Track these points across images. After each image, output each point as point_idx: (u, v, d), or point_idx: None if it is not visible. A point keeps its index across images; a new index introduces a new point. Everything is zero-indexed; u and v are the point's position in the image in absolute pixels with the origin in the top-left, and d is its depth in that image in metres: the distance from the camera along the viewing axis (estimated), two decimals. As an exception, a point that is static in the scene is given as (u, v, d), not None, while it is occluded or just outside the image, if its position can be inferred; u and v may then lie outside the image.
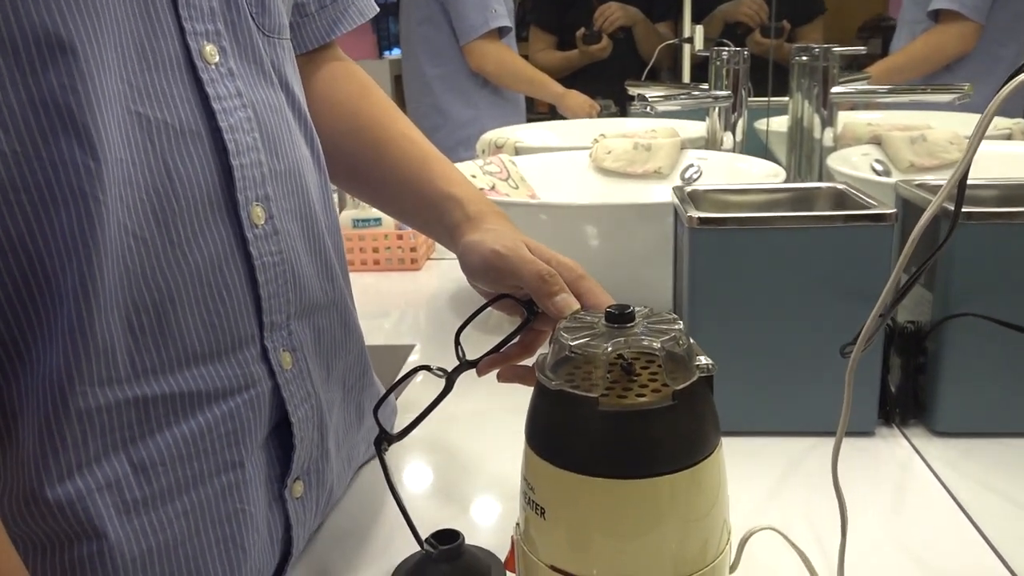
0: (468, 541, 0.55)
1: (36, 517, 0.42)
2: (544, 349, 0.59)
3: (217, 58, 0.48)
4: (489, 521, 0.63)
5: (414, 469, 0.71)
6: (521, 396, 0.49)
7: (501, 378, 0.59)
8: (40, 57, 0.39)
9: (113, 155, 0.42)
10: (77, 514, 0.42)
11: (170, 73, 0.45)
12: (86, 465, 0.42)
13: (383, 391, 0.66)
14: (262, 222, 0.50)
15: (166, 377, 0.45)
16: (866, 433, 0.72)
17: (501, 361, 0.58)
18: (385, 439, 0.54)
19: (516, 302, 0.58)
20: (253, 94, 0.51)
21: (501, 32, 2.10)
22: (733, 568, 0.49)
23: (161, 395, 0.45)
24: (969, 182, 0.51)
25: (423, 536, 0.54)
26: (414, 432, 0.54)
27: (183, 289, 0.46)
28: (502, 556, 0.55)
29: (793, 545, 0.52)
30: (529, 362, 0.58)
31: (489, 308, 0.60)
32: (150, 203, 0.44)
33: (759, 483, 0.66)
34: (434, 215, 0.65)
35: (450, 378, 0.55)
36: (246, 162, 0.49)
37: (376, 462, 0.68)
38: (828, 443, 0.51)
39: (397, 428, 0.55)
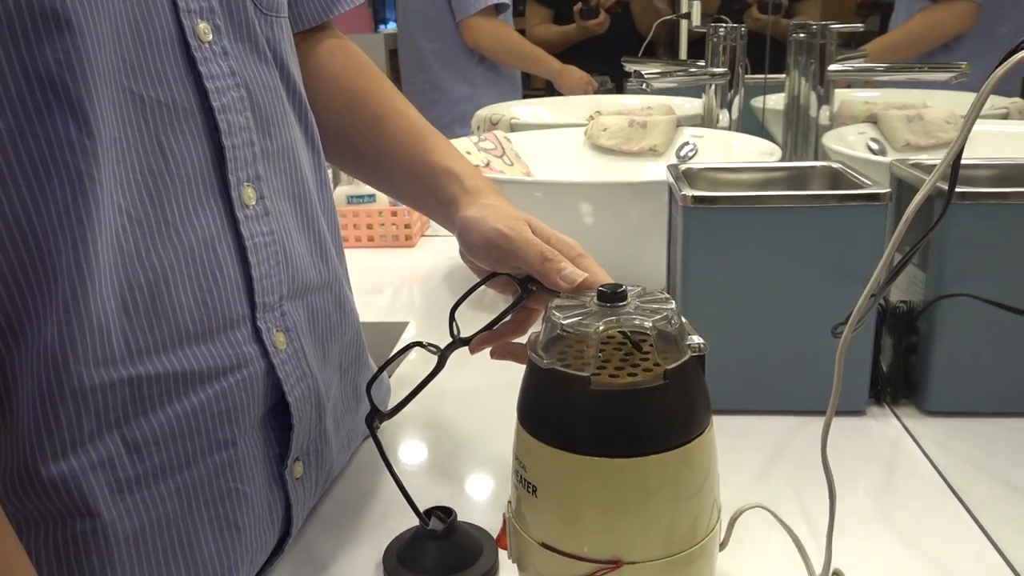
0: (460, 518, 0.56)
1: (31, 494, 0.42)
2: (537, 327, 0.59)
3: (211, 36, 0.48)
4: (481, 498, 0.64)
5: (407, 446, 0.72)
6: (513, 373, 0.49)
7: (494, 355, 0.59)
8: (36, 31, 0.38)
9: (108, 133, 0.41)
10: (71, 492, 0.42)
11: (163, 51, 0.45)
12: (80, 444, 0.42)
13: (377, 370, 0.66)
14: (253, 202, 0.50)
15: (159, 357, 0.45)
16: (857, 412, 0.73)
17: (494, 338, 0.59)
18: (376, 416, 0.54)
19: (510, 279, 0.58)
20: (247, 73, 0.50)
21: (498, 8, 2.08)
22: (723, 546, 0.49)
23: (155, 375, 0.45)
24: (964, 162, 0.51)
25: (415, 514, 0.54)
26: (407, 409, 0.55)
27: (176, 269, 0.46)
28: (494, 533, 0.56)
29: (782, 523, 0.52)
30: (522, 340, 0.58)
31: (483, 286, 0.60)
32: (144, 182, 0.44)
33: (749, 461, 0.67)
34: (429, 189, 0.65)
35: (443, 355, 0.55)
36: (238, 142, 0.49)
37: (370, 441, 0.68)
38: (818, 422, 0.51)
39: (392, 405, 0.56)
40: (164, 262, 0.45)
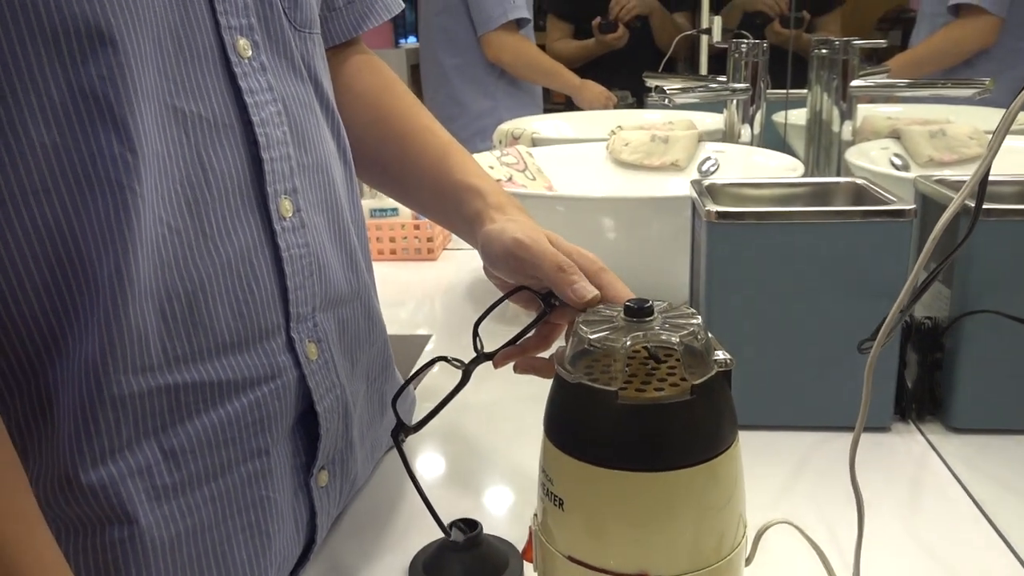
0: (486, 531, 0.56)
1: (70, 500, 0.43)
2: (560, 342, 0.60)
3: (250, 52, 0.49)
4: (505, 511, 0.64)
5: (431, 459, 0.72)
6: (536, 387, 0.49)
7: (517, 370, 0.59)
8: (81, 49, 0.39)
9: (150, 147, 0.42)
10: (109, 498, 0.43)
11: (205, 67, 0.46)
12: (119, 451, 0.43)
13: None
14: (290, 214, 0.51)
15: (196, 366, 0.46)
16: (882, 428, 0.72)
17: (517, 353, 0.59)
18: (402, 430, 0.54)
19: (533, 294, 0.59)
20: (283, 88, 0.52)
21: (519, 23, 2.10)
22: (749, 561, 0.49)
23: (191, 383, 0.46)
24: (989, 178, 0.51)
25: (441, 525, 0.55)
26: (431, 422, 0.55)
27: (214, 279, 0.46)
28: (519, 546, 0.56)
29: (809, 539, 0.52)
30: (545, 355, 0.59)
31: (506, 300, 0.60)
32: (184, 195, 0.45)
33: (775, 477, 0.67)
34: (454, 206, 0.65)
35: (467, 370, 0.56)
36: (275, 155, 0.50)
37: (393, 451, 0.69)
38: (843, 438, 0.51)
39: (417, 417, 0.56)
40: (202, 272, 0.46)
